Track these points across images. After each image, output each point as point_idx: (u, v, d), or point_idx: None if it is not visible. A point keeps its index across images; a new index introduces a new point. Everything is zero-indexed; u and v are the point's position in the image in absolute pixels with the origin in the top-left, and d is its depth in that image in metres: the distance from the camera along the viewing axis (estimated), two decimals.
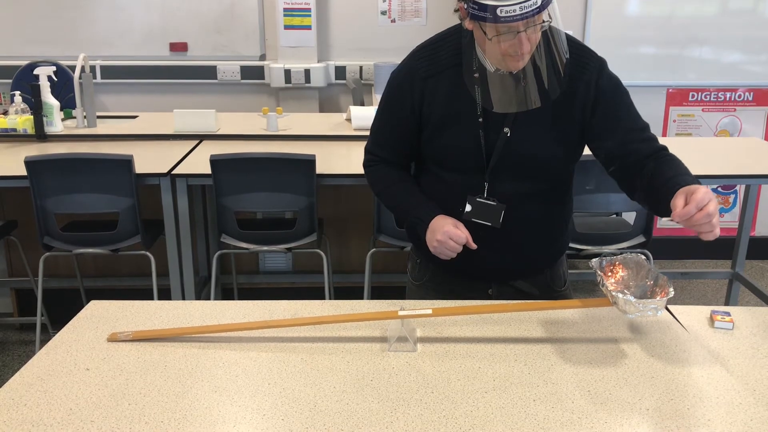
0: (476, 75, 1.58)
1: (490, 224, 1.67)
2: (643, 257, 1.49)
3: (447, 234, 1.60)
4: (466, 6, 1.46)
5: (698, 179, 1.48)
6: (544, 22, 1.44)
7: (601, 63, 1.63)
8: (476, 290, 1.78)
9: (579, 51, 1.60)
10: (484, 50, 1.53)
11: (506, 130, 1.61)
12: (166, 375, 1.34)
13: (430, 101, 1.64)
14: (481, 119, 1.61)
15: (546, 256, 1.82)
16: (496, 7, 1.39)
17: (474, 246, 1.62)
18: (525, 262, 1.78)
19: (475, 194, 1.66)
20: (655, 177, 1.53)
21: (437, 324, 1.55)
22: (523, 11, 1.39)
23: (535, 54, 1.51)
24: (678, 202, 1.36)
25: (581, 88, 1.60)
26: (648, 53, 4.19)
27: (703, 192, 1.34)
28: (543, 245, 1.78)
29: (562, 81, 1.54)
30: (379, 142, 1.79)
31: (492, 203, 1.66)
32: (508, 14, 1.39)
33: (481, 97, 1.58)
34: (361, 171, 1.84)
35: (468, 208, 1.67)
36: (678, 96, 4.30)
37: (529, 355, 1.42)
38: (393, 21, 4.62)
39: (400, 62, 1.71)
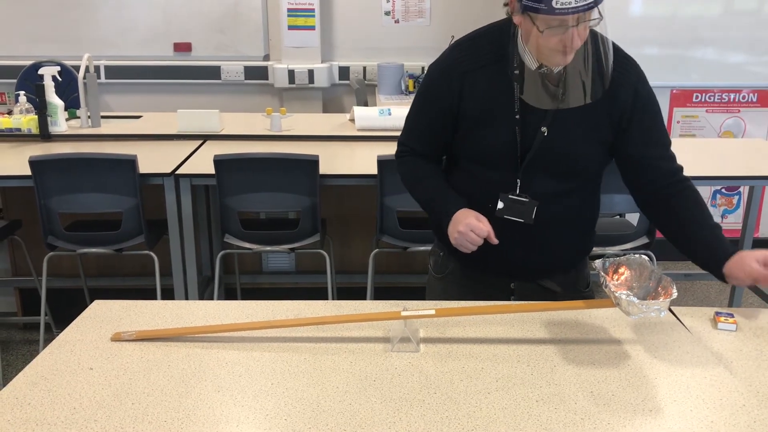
0: (517, 72, 1.58)
1: (522, 221, 1.66)
2: (647, 258, 1.49)
3: (469, 226, 1.60)
4: None
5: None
6: (594, 19, 1.45)
7: (640, 70, 1.65)
8: (498, 286, 1.78)
9: (621, 55, 1.62)
10: (532, 45, 1.52)
11: (543, 129, 1.61)
12: (170, 375, 1.34)
13: (468, 96, 1.63)
14: (518, 116, 1.61)
15: (572, 255, 1.82)
16: None
17: (495, 241, 1.61)
18: (551, 260, 1.78)
19: (507, 191, 1.66)
20: (692, 231, 1.65)
21: (440, 324, 1.55)
22: (578, 4, 1.39)
23: (581, 52, 1.51)
24: (754, 267, 1.51)
25: (622, 93, 1.61)
26: (651, 54, 4.18)
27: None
28: (570, 244, 1.79)
29: (605, 82, 1.54)
30: (412, 134, 1.78)
31: (525, 200, 1.66)
32: (564, 6, 1.39)
33: (522, 94, 1.58)
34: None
35: (500, 205, 1.67)
36: (682, 97, 4.29)
37: (532, 356, 1.42)
38: (396, 21, 4.62)
39: (439, 54, 1.71)
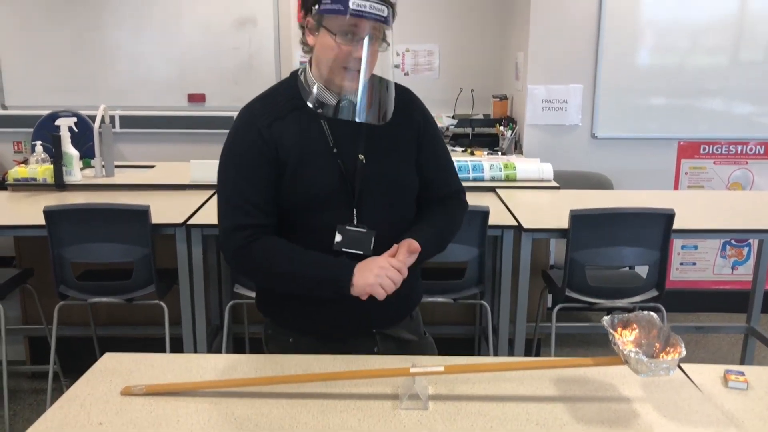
0: (320, 110, 1.63)
1: (362, 252, 1.63)
2: (655, 315, 1.49)
3: (384, 267, 1.56)
4: (316, 6, 1.54)
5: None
6: (384, 40, 1.58)
7: (416, 96, 1.79)
8: (362, 352, 1.72)
9: (401, 85, 1.73)
10: (324, 66, 1.59)
11: (361, 156, 1.65)
12: (178, 430, 1.34)
13: (281, 144, 1.62)
14: (335, 149, 1.64)
15: (417, 289, 1.85)
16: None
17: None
18: (401, 298, 1.69)
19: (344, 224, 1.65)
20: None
21: (449, 381, 1.55)
22: (372, 10, 1.50)
23: (371, 76, 1.62)
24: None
25: (415, 115, 1.74)
26: (659, 105, 4.22)
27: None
28: (413, 277, 1.70)
29: (392, 103, 1.64)
30: (247, 211, 1.63)
31: (362, 230, 1.64)
32: (359, 8, 1.49)
33: (329, 125, 1.64)
34: None
35: (338, 238, 1.64)
36: (689, 148, 4.32)
37: (542, 414, 1.42)
38: (406, 74, 4.71)
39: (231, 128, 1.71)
